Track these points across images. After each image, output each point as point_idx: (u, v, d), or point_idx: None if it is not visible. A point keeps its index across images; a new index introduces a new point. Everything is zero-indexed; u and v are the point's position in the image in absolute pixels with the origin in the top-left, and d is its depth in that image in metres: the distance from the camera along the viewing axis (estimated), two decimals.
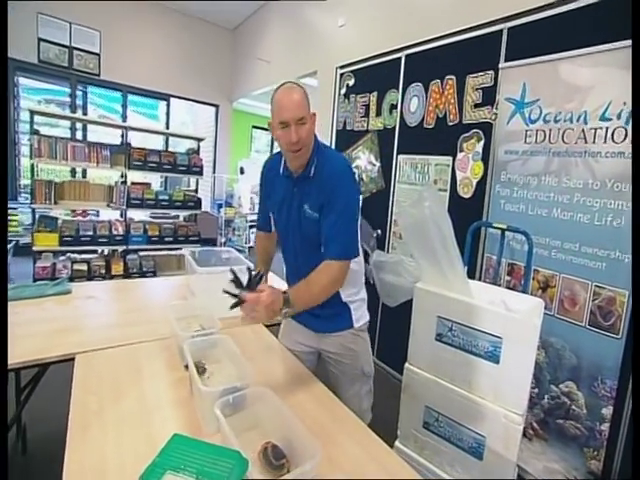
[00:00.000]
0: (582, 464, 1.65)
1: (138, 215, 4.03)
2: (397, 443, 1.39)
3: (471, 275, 2.07)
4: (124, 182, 3.62)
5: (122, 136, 3.76)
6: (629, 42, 1.48)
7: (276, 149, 1.29)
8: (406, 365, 1.36)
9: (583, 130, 1.65)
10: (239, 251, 5.76)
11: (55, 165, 3.51)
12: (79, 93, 5.37)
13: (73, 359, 1.19)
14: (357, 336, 1.33)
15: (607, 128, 1.58)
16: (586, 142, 1.64)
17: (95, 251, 3.74)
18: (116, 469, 0.78)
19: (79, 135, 5.19)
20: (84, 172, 4.99)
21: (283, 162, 1.24)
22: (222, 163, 6.57)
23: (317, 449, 0.69)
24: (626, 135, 1.53)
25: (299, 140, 1.09)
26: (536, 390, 1.81)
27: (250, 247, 6.29)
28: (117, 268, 3.61)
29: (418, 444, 1.34)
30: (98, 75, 5.27)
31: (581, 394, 1.66)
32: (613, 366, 1.57)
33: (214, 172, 6.45)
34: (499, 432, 1.14)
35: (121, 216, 3.81)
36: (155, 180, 5.38)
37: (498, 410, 1.15)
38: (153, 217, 4.17)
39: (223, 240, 5.70)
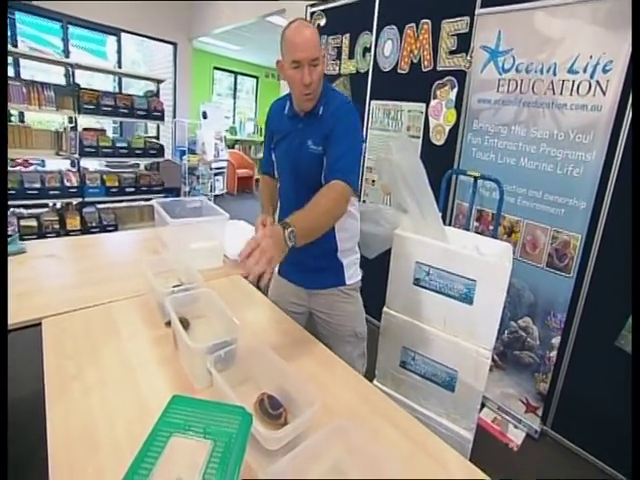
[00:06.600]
0: (532, 387, 1.87)
1: (92, 165, 3.64)
2: (375, 382, 1.49)
3: (443, 221, 2.12)
4: (74, 128, 3.21)
5: (66, 75, 3.29)
6: None
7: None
8: (384, 309, 1.42)
9: (552, 82, 1.69)
10: None
11: None
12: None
13: (39, 324, 1.11)
14: (349, 295, 1.30)
15: (573, 81, 1.62)
16: (554, 93, 1.69)
17: (45, 205, 3.39)
18: (107, 432, 0.76)
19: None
20: (21, 115, 4.39)
21: (289, 103, 1.21)
22: (183, 107, 6.04)
23: (316, 397, 0.71)
24: (589, 88, 1.58)
25: (312, 82, 1.05)
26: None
27: (216, 195, 6.17)
28: (73, 223, 3.31)
29: (395, 382, 1.44)
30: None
31: (535, 328, 1.84)
32: (563, 302, 1.75)
33: (174, 117, 5.95)
34: (470, 366, 1.24)
35: (72, 166, 3.42)
36: (107, 126, 4.87)
37: (470, 347, 1.24)
38: (109, 166, 3.80)
39: (187, 189, 5.46)
